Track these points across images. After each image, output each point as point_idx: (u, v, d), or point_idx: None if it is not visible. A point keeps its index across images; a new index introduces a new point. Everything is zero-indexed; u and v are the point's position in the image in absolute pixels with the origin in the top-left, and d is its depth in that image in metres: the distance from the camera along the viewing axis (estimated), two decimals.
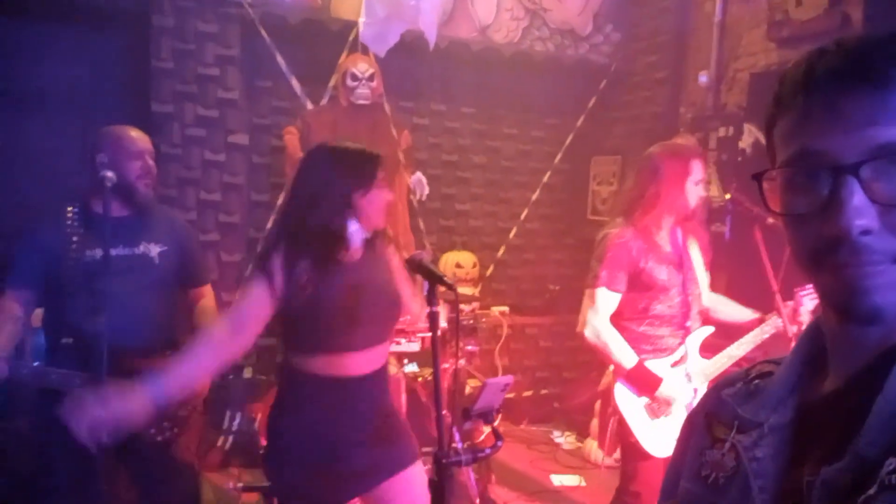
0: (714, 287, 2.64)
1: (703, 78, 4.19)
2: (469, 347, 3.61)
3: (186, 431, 2.29)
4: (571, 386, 4.81)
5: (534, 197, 5.11)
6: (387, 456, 1.94)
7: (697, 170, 2.36)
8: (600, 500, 3.15)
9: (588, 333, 2.39)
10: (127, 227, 2.20)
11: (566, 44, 4.71)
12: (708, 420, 0.72)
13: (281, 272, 1.80)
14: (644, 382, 2.35)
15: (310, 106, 4.18)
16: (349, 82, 3.89)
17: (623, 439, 2.44)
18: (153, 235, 2.27)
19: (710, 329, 2.48)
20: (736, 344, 2.43)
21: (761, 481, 0.62)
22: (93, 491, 2.14)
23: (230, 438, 3.68)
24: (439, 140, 4.88)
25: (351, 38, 4.03)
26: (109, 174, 2.05)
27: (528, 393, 4.82)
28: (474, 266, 4.70)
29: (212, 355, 1.79)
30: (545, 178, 5.12)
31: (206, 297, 2.47)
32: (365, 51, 3.97)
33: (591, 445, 4.17)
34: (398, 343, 3.03)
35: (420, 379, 3.58)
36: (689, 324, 2.44)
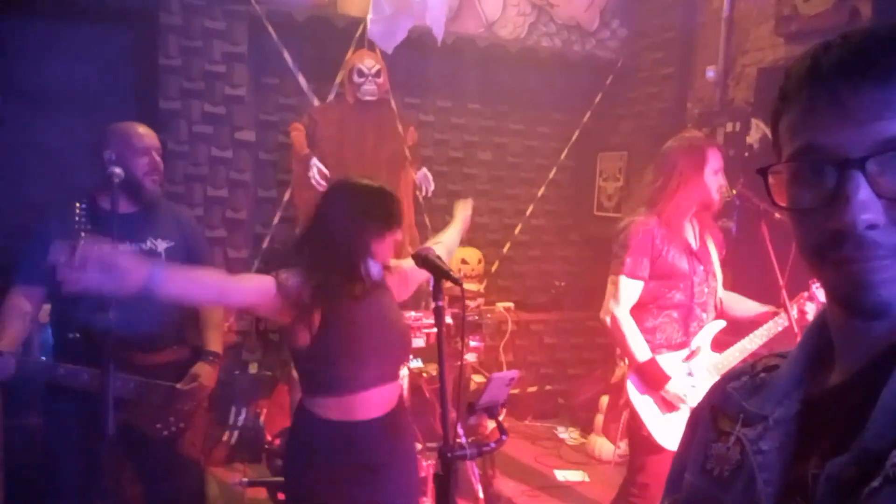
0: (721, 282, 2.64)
1: (711, 73, 4.18)
2: (474, 343, 3.62)
3: (192, 427, 2.30)
4: (576, 382, 4.81)
5: (539, 193, 5.10)
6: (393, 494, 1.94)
7: (714, 159, 2.38)
8: (604, 495, 3.16)
9: (607, 321, 2.42)
10: (134, 223, 2.21)
11: (573, 39, 4.70)
12: (713, 414, 0.72)
13: (292, 287, 1.79)
14: (652, 378, 2.36)
15: (316, 102, 4.19)
16: (356, 78, 3.90)
17: (634, 432, 2.45)
18: (160, 231, 2.28)
19: (722, 323, 2.48)
20: (748, 338, 2.43)
21: (766, 474, 0.62)
22: (99, 486, 2.16)
23: (235, 434, 3.70)
24: (445, 136, 4.88)
25: (357, 35, 4.04)
26: (117, 170, 2.06)
27: (532, 389, 4.83)
28: (479, 262, 4.70)
29: (210, 284, 1.77)
30: (551, 175, 5.11)
31: None
32: (371, 47, 3.97)
33: (596, 441, 4.17)
34: None
35: (424, 375, 3.59)
36: (704, 316, 2.45)
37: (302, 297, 1.78)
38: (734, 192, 2.47)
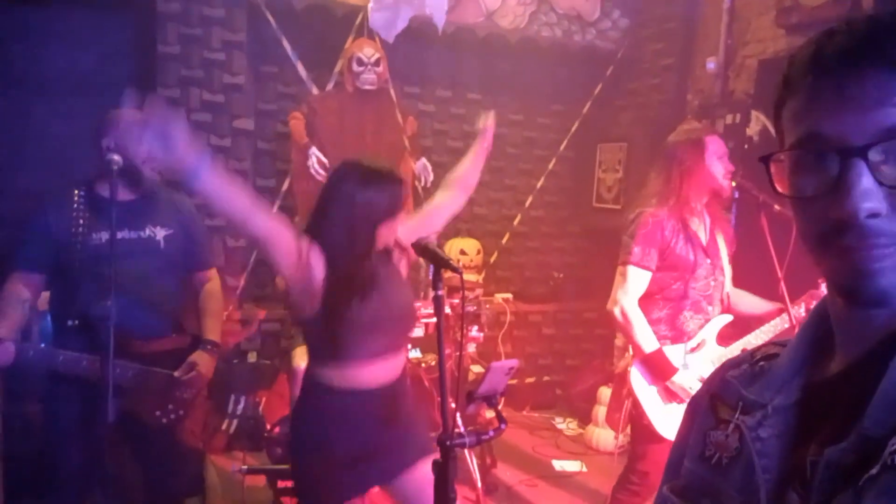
0: None
1: (711, 65, 4.17)
2: (472, 334, 3.62)
3: (191, 415, 2.31)
4: (574, 373, 4.83)
5: (539, 184, 5.09)
6: (403, 449, 1.96)
7: (715, 145, 2.39)
8: (601, 485, 3.18)
9: (615, 311, 2.42)
10: (133, 210, 2.20)
11: (573, 30, 4.68)
12: (712, 401, 0.72)
13: (306, 247, 1.83)
14: (659, 369, 2.37)
15: (315, 91, 4.18)
16: (355, 67, 3.88)
17: (636, 420, 2.46)
18: (159, 219, 2.27)
19: (729, 317, 2.49)
20: (754, 333, 2.43)
21: (765, 461, 0.62)
22: (98, 473, 2.17)
23: (235, 422, 3.71)
24: (445, 126, 4.87)
25: (357, 23, 4.02)
26: (116, 157, 2.05)
27: (530, 380, 4.84)
28: (478, 253, 4.70)
29: (245, 197, 1.75)
30: (550, 166, 5.10)
31: (212, 280, 2.48)
32: (371, 35, 3.96)
33: (593, 432, 4.18)
34: None
35: (423, 365, 3.60)
36: (710, 309, 2.45)
37: (311, 261, 1.81)
38: (734, 184, 2.47)
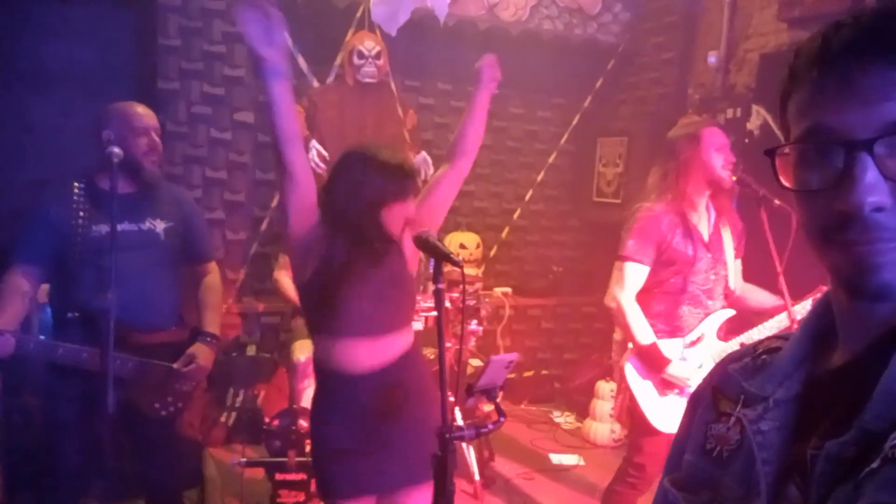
0: None
1: (712, 58, 4.16)
2: (472, 327, 3.63)
3: (190, 407, 2.31)
4: (572, 367, 4.83)
5: (539, 178, 5.09)
6: (409, 461, 1.91)
7: (714, 136, 2.37)
8: (599, 478, 3.19)
9: (612, 305, 2.44)
10: (133, 203, 2.20)
11: (574, 23, 4.66)
12: (714, 394, 0.72)
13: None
14: (653, 361, 2.39)
15: (316, 84, 4.16)
16: (355, 60, 3.87)
17: (632, 413, 2.48)
18: (159, 211, 2.27)
19: (730, 312, 2.49)
20: (756, 329, 2.43)
21: (765, 454, 0.62)
22: (98, 465, 2.17)
23: (233, 415, 3.72)
24: (445, 120, 4.85)
25: (357, 16, 4.00)
26: (116, 150, 2.04)
27: (528, 373, 4.85)
28: (478, 247, 4.70)
29: (297, 122, 1.84)
30: (551, 159, 5.09)
31: (212, 273, 2.48)
32: (372, 28, 3.94)
33: (591, 426, 4.19)
34: None
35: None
36: (710, 304, 2.45)
37: (317, 228, 1.86)
38: (734, 178, 2.46)
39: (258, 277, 4.31)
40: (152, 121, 2.25)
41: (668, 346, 2.41)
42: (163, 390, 2.24)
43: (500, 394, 1.78)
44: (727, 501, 0.65)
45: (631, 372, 2.44)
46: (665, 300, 2.44)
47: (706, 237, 2.45)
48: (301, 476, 2.86)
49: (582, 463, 3.83)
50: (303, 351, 3.27)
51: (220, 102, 3.87)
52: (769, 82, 3.73)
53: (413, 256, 2.02)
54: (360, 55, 3.86)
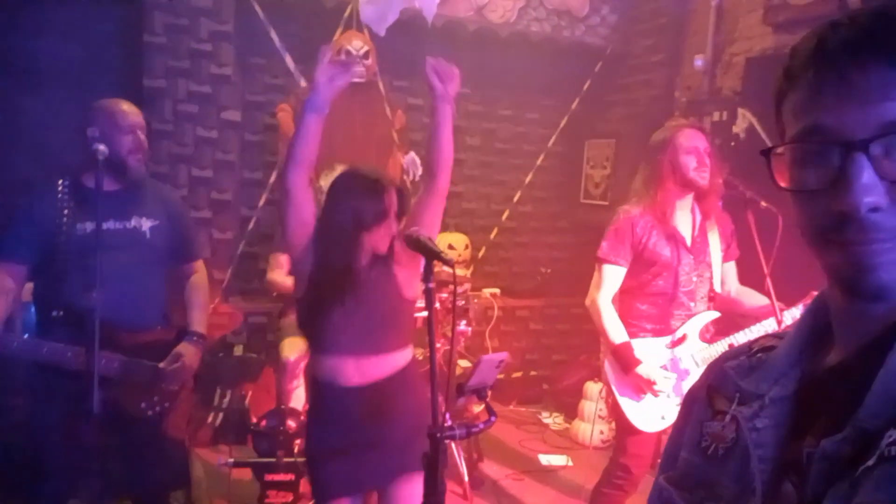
0: None
1: (699, 62, 4.19)
2: (461, 328, 3.63)
3: (177, 407, 2.29)
4: (561, 368, 4.84)
5: (527, 179, 5.10)
6: (401, 453, 1.93)
7: (687, 139, 2.38)
8: (587, 479, 3.19)
9: (589, 305, 2.49)
10: (118, 201, 2.18)
11: (563, 25, 4.67)
12: (709, 393, 0.72)
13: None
14: (625, 361, 2.42)
15: (304, 83, 4.14)
16: (343, 59, 3.85)
17: (615, 414, 2.52)
18: (145, 210, 2.25)
19: (715, 314, 2.51)
20: (743, 332, 2.44)
21: (761, 452, 0.62)
22: (84, 465, 2.14)
23: (220, 416, 3.69)
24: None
25: (346, 15, 3.99)
26: (101, 147, 2.03)
27: (517, 374, 4.85)
28: (466, 248, 4.70)
29: (315, 152, 1.96)
30: (539, 161, 5.10)
31: (198, 272, 2.46)
32: (360, 28, 3.93)
33: (579, 427, 4.20)
34: None
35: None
36: (692, 305, 2.47)
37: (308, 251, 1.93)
38: (720, 181, 2.48)
39: (245, 277, 4.28)
40: (138, 119, 2.22)
41: (651, 346, 2.44)
42: (149, 390, 2.21)
43: (489, 394, 1.78)
44: (723, 499, 0.66)
45: (608, 371, 2.49)
46: (649, 301, 2.48)
47: (689, 240, 2.46)
48: (289, 476, 2.84)
49: (570, 464, 3.83)
50: (292, 349, 3.25)
51: (206, 101, 3.84)
52: (755, 86, 3.76)
53: (408, 281, 2.01)
54: (349, 54, 3.84)
